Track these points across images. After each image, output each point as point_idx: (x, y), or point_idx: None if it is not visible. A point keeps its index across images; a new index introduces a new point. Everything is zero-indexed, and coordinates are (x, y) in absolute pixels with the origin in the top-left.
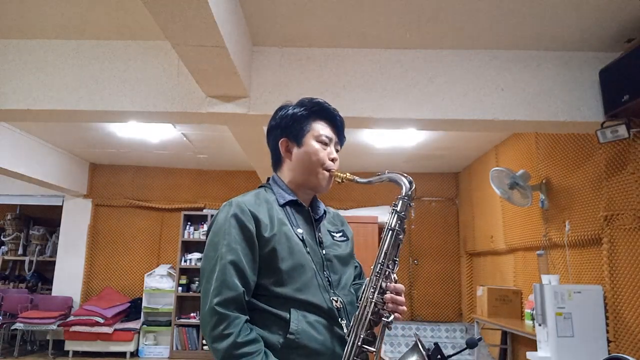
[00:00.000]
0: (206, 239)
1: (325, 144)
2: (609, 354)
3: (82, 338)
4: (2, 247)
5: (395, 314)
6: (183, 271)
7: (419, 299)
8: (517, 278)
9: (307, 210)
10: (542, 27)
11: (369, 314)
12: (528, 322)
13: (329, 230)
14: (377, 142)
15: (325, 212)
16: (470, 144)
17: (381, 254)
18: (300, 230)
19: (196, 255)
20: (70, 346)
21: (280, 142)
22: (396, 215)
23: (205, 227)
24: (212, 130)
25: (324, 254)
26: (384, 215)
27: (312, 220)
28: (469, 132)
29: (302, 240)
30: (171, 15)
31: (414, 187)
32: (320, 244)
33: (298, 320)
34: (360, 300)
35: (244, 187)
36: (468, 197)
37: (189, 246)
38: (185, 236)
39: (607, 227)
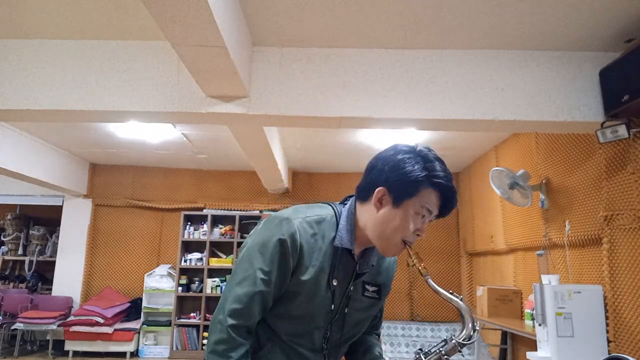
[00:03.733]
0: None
1: (422, 216)
2: (609, 354)
3: (82, 338)
4: (2, 247)
5: None
6: (183, 271)
7: (419, 299)
8: (517, 278)
9: (354, 262)
10: (542, 27)
11: None
12: (528, 322)
13: (364, 281)
14: (377, 142)
15: (373, 265)
16: (470, 144)
17: None
18: (335, 282)
19: (196, 255)
20: (70, 346)
21: (378, 189)
22: (438, 355)
23: (205, 227)
24: (212, 130)
25: (345, 312)
26: None
27: (354, 274)
28: (469, 132)
29: (333, 293)
30: (171, 15)
31: (474, 338)
32: (348, 298)
33: (269, 352)
34: None
35: (244, 187)
36: (468, 197)
37: (189, 246)
38: (185, 236)
39: (607, 227)
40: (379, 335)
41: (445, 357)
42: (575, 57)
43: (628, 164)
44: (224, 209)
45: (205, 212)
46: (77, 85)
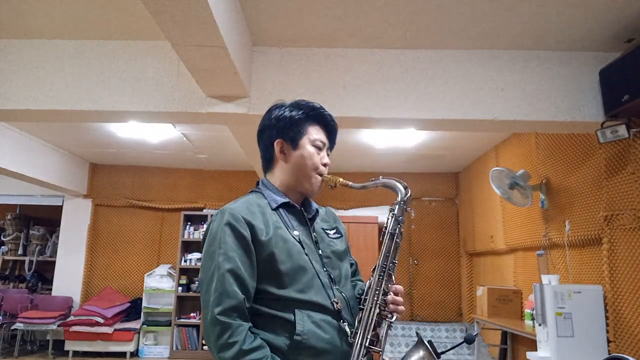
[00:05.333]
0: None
1: (319, 149)
2: (609, 354)
3: (82, 338)
4: (2, 247)
5: (396, 314)
6: (183, 271)
7: (419, 299)
8: (517, 278)
9: (299, 210)
10: (542, 27)
11: (374, 315)
12: (528, 322)
13: (323, 229)
14: (377, 142)
15: (317, 210)
16: (470, 144)
17: (382, 257)
18: (296, 233)
19: (196, 255)
20: (70, 346)
21: (275, 142)
22: (394, 220)
23: (206, 227)
24: (212, 130)
25: (320, 254)
26: (384, 215)
27: (306, 220)
28: (469, 132)
29: (300, 242)
30: (171, 15)
31: (409, 192)
32: (316, 243)
33: (303, 321)
34: (364, 302)
35: (244, 187)
36: (468, 197)
37: (189, 246)
38: (185, 236)
39: (607, 227)
40: (362, 281)
41: (400, 217)
42: (575, 57)
43: (628, 164)
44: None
45: (205, 212)
46: (77, 85)
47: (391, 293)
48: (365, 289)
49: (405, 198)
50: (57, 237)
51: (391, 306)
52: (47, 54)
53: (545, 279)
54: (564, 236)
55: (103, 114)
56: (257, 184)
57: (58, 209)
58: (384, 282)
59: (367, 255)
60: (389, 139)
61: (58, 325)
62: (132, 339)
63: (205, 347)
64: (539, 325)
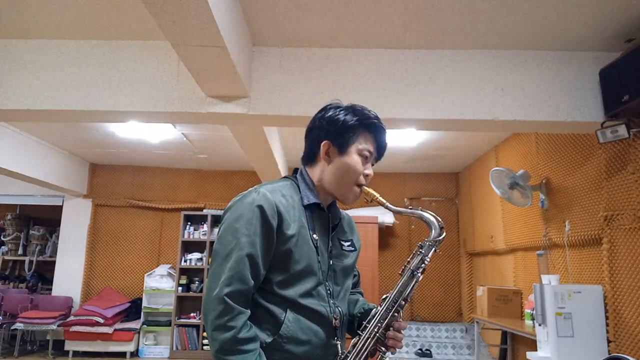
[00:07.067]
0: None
1: (366, 158)
2: (609, 354)
3: (82, 338)
4: (2, 247)
5: (392, 350)
6: (183, 271)
7: (419, 299)
8: (517, 278)
9: (327, 215)
10: (542, 27)
11: (369, 345)
12: (528, 322)
13: (339, 238)
14: None
15: (340, 219)
16: (470, 144)
17: (396, 291)
18: (315, 237)
19: (196, 255)
20: (70, 346)
21: (322, 143)
22: (420, 257)
23: (205, 227)
24: (212, 130)
25: (330, 264)
26: (384, 215)
27: (329, 227)
28: (469, 132)
29: (316, 247)
30: (171, 15)
31: (444, 234)
32: (330, 252)
33: (291, 324)
34: (364, 329)
35: (244, 187)
36: (468, 197)
37: (189, 246)
38: (185, 236)
39: (607, 227)
40: (361, 293)
41: (426, 257)
42: (575, 57)
43: (628, 164)
44: (224, 209)
45: (205, 212)
46: (77, 85)
47: (393, 329)
48: (369, 317)
49: (439, 238)
50: (57, 237)
51: (390, 341)
52: (47, 54)
53: (545, 279)
54: (564, 236)
55: (103, 114)
56: (295, 171)
57: (58, 209)
58: (389, 316)
59: (367, 255)
60: (389, 139)
61: (58, 325)
62: (132, 339)
63: (205, 347)
64: (539, 325)
